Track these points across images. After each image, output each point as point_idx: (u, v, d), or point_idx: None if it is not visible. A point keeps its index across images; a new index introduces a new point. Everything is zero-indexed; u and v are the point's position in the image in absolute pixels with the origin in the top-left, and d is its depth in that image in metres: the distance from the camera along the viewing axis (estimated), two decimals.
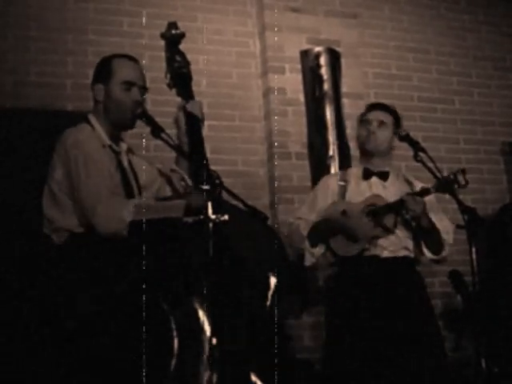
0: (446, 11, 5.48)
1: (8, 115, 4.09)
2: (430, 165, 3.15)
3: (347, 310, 3.31)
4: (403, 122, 4.76)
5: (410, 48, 5.29)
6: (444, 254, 3.42)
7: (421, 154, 3.19)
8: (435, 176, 3.16)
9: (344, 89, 4.73)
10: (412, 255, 3.40)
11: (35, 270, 3.57)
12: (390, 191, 3.41)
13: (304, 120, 4.66)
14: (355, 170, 3.54)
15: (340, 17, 4.94)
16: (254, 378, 2.32)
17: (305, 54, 4.72)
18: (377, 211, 3.32)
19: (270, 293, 2.46)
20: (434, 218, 3.35)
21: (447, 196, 3.21)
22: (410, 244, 3.40)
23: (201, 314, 2.31)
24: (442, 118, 5.27)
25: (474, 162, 5.27)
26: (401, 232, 3.37)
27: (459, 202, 3.06)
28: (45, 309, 2.72)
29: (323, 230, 3.40)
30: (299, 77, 4.72)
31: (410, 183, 3.52)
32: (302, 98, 4.70)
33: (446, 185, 3.20)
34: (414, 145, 3.24)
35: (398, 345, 3.20)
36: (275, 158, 4.61)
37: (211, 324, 2.26)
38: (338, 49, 4.77)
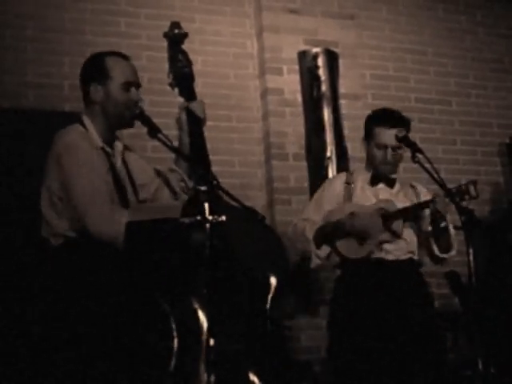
0: (444, 13, 5.49)
1: (5, 115, 4.08)
2: (428, 166, 3.15)
3: (352, 311, 3.33)
4: None
5: (407, 49, 5.29)
6: (452, 253, 3.45)
7: (418, 155, 3.19)
8: (433, 177, 3.16)
9: (342, 90, 4.74)
10: (416, 257, 3.43)
11: (33, 272, 3.56)
12: (396, 198, 3.42)
13: (302, 121, 4.67)
14: (362, 175, 3.53)
15: (338, 18, 4.95)
16: (252, 378, 2.32)
17: (302, 55, 4.73)
18: (386, 216, 3.33)
19: (269, 293, 2.47)
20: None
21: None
22: (415, 247, 3.43)
23: (200, 314, 2.31)
24: (439, 119, 5.27)
25: (471, 163, 5.28)
26: (407, 236, 3.39)
27: (456, 204, 3.07)
28: (43, 311, 2.71)
29: (330, 232, 3.40)
30: (297, 78, 4.72)
31: (413, 187, 3.53)
32: (299, 98, 4.71)
33: (456, 195, 3.23)
34: (412, 146, 3.24)
35: (400, 345, 3.23)
36: (273, 158, 4.61)
37: (210, 324, 2.26)
38: (335, 50, 4.77)
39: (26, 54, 4.27)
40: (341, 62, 4.77)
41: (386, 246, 3.36)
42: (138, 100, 2.74)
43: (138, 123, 2.69)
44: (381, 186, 3.46)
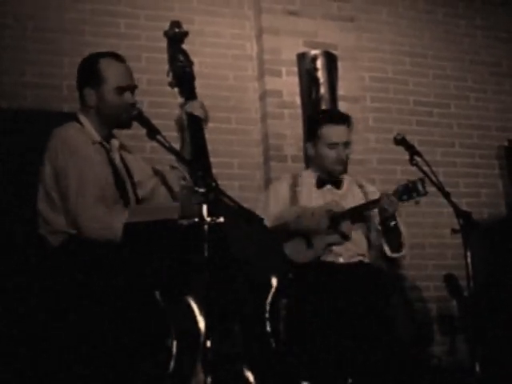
0: (443, 16, 5.49)
1: (3, 116, 4.08)
2: (426, 169, 3.15)
3: (302, 316, 3.29)
4: (399, 125, 4.79)
5: (406, 52, 5.30)
6: (403, 252, 3.44)
7: (416, 157, 3.20)
8: (430, 180, 3.16)
9: (340, 92, 4.74)
10: (367, 260, 3.41)
11: (31, 271, 3.56)
12: (344, 199, 3.41)
13: (300, 123, 4.66)
14: (307, 177, 3.51)
15: (337, 20, 4.94)
16: (250, 379, 2.32)
17: (302, 56, 4.72)
18: (334, 217, 3.31)
19: (267, 295, 2.47)
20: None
21: (442, 200, 3.21)
22: (365, 249, 3.41)
23: (198, 315, 2.31)
24: (437, 122, 5.27)
25: (469, 166, 5.28)
26: (356, 237, 3.38)
27: (454, 206, 3.07)
28: (41, 311, 2.71)
29: (279, 235, 3.38)
30: (296, 80, 4.72)
31: (361, 186, 3.53)
32: (298, 100, 4.70)
33: (405, 193, 3.22)
34: (410, 149, 3.24)
35: (351, 349, 3.19)
36: (271, 160, 4.61)
37: (208, 325, 2.26)
38: (334, 52, 4.77)
39: (24, 54, 4.26)
40: (340, 64, 4.77)
41: (336, 249, 3.34)
42: (134, 102, 2.73)
43: (136, 124, 2.69)
44: (328, 187, 3.46)
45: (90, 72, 2.74)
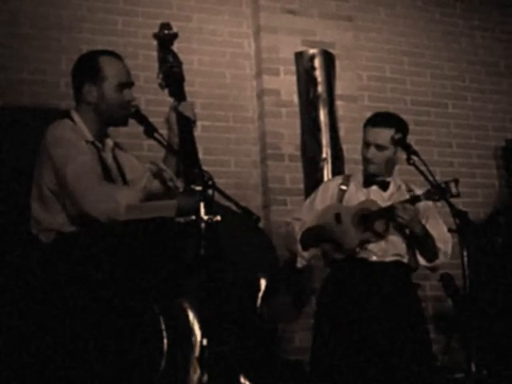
0: (441, 16, 5.50)
1: (0, 113, 4.07)
2: (423, 168, 3.15)
3: (335, 312, 3.33)
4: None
5: (404, 51, 5.30)
6: (438, 262, 3.39)
7: (413, 157, 3.20)
8: (427, 180, 3.16)
9: (338, 91, 4.74)
10: (404, 260, 3.39)
11: (23, 270, 3.55)
12: (388, 201, 3.41)
13: (298, 122, 4.67)
14: (357, 177, 3.54)
15: (335, 19, 4.95)
16: (243, 379, 2.32)
17: (299, 55, 4.72)
18: (367, 216, 3.32)
19: (260, 294, 2.47)
20: (429, 225, 3.34)
21: None
22: (403, 249, 3.39)
23: (190, 315, 2.31)
24: (435, 121, 5.28)
25: (466, 166, 5.29)
26: (393, 237, 3.37)
27: (451, 206, 3.07)
28: (34, 307, 2.70)
29: (316, 235, 3.42)
30: (293, 78, 4.72)
31: (410, 191, 3.49)
32: (295, 99, 4.71)
33: (437, 193, 3.19)
34: (407, 148, 3.24)
35: (385, 347, 3.20)
36: (268, 159, 4.62)
37: (201, 325, 2.26)
38: (332, 51, 4.77)
39: (22, 51, 4.25)
40: (337, 63, 4.77)
41: (370, 247, 3.35)
42: (134, 99, 2.74)
43: (133, 122, 2.69)
44: (374, 188, 3.46)
45: (90, 69, 2.75)
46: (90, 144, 2.70)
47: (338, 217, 3.37)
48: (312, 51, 4.70)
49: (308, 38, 4.82)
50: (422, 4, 5.45)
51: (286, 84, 4.71)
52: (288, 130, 4.66)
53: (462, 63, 5.48)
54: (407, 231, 3.34)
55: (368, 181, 3.46)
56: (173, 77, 2.71)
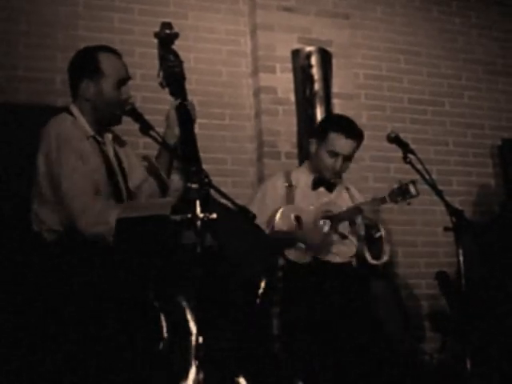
0: (438, 14, 5.50)
1: None
2: (419, 167, 3.15)
3: (297, 312, 3.30)
4: (393, 123, 4.80)
5: (401, 50, 5.30)
6: (384, 259, 3.45)
7: (410, 155, 3.20)
8: (424, 178, 3.17)
9: (335, 89, 4.74)
10: (354, 262, 3.48)
11: (26, 268, 3.55)
12: (335, 202, 3.44)
13: (294, 120, 4.66)
14: (304, 177, 3.52)
15: (332, 17, 4.94)
16: (240, 377, 2.32)
17: (296, 53, 4.72)
18: (331, 218, 3.35)
19: (259, 292, 2.47)
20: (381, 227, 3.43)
21: (435, 198, 3.21)
22: (354, 251, 3.48)
23: (188, 312, 2.30)
24: (431, 120, 5.28)
25: (462, 164, 5.29)
26: (353, 239, 3.42)
27: (447, 204, 3.07)
28: (35, 305, 2.70)
29: (282, 245, 3.39)
30: (290, 76, 4.72)
31: (348, 190, 3.56)
32: (292, 97, 4.70)
33: (399, 195, 3.27)
34: (403, 146, 3.25)
35: (342, 347, 3.22)
36: (265, 157, 4.61)
37: (198, 323, 2.26)
38: (329, 49, 4.77)
39: (18, 48, 4.24)
40: (334, 61, 4.77)
41: (334, 249, 3.38)
42: (129, 97, 2.74)
43: (129, 119, 2.69)
44: (321, 189, 3.49)
45: (89, 65, 2.75)
46: (90, 138, 2.71)
47: (298, 219, 3.37)
48: (309, 49, 4.69)
49: (305, 36, 4.81)
50: (419, 2, 5.45)
51: (283, 82, 4.70)
52: (284, 128, 4.66)
53: (458, 61, 5.48)
54: (361, 232, 3.38)
55: (317, 183, 3.47)
56: (173, 76, 2.71)
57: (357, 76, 5.06)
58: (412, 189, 3.28)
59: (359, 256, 3.47)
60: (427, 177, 3.17)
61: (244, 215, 2.41)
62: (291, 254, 3.37)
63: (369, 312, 3.36)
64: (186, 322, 2.29)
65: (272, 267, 2.59)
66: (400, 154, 3.25)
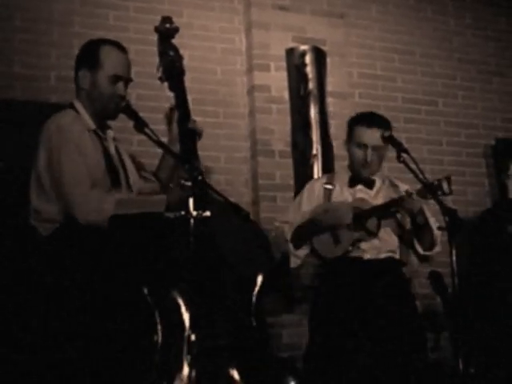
0: (433, 14, 5.51)
1: None
2: (413, 166, 3.16)
3: (331, 309, 3.34)
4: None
5: (395, 49, 5.31)
6: (437, 249, 3.44)
7: (404, 155, 3.20)
8: (417, 177, 3.17)
9: (329, 88, 4.74)
10: (397, 256, 3.42)
11: (21, 262, 3.55)
12: (375, 199, 3.43)
13: (288, 118, 4.67)
14: (342, 176, 3.54)
15: (327, 16, 4.94)
16: (233, 374, 2.32)
17: (290, 52, 4.72)
18: (359, 215, 3.34)
19: (254, 289, 2.47)
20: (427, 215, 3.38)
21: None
22: (394, 245, 3.42)
23: (183, 309, 2.31)
24: (425, 119, 5.29)
25: (456, 164, 5.30)
26: (384, 235, 3.39)
27: (440, 204, 3.08)
28: (32, 299, 2.71)
29: (306, 231, 3.42)
30: (284, 75, 4.72)
31: (395, 186, 3.53)
32: (286, 96, 4.70)
33: (429, 191, 3.20)
34: (397, 146, 3.25)
35: (380, 343, 3.24)
36: (258, 155, 4.61)
37: (193, 319, 2.27)
38: (323, 48, 4.77)
39: (13, 44, 4.23)
40: (329, 60, 4.77)
41: (362, 245, 3.37)
42: (124, 94, 2.74)
43: (124, 117, 2.69)
44: (359, 187, 3.47)
45: (88, 54, 2.77)
46: (92, 132, 2.72)
47: (327, 212, 3.38)
48: (303, 48, 4.70)
49: (299, 35, 4.81)
50: (413, 2, 5.46)
51: (277, 80, 4.70)
52: (278, 127, 4.66)
53: (453, 61, 5.49)
54: (408, 222, 3.37)
55: (354, 180, 3.47)
56: (173, 70, 2.72)
57: (351, 75, 5.07)
58: (445, 186, 3.19)
59: (406, 250, 3.44)
60: (420, 176, 3.18)
61: (237, 213, 2.41)
62: (319, 248, 3.40)
63: (398, 314, 3.33)
64: (181, 318, 2.29)
65: (267, 264, 2.59)
66: (394, 153, 3.26)
